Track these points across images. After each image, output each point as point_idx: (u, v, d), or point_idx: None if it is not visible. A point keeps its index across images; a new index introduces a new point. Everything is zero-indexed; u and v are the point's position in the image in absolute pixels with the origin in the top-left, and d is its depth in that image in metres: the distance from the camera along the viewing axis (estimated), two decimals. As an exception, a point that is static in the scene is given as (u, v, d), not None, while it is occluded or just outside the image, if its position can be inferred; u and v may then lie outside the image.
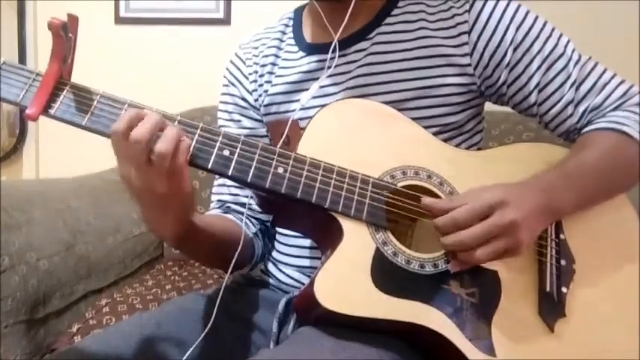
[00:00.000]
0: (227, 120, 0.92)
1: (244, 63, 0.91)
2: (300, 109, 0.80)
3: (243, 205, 0.88)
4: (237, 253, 0.75)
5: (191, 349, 0.67)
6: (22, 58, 1.83)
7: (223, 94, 0.93)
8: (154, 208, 0.64)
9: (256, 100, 0.89)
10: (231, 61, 0.93)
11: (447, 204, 0.63)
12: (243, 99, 0.90)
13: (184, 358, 0.67)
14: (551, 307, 0.65)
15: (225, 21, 1.77)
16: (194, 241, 0.72)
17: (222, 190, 0.91)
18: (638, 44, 1.50)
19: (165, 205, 0.63)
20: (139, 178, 0.60)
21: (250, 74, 0.90)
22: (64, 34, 0.59)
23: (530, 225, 0.63)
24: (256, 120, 0.90)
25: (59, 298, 1.11)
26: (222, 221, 0.84)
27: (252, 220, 0.89)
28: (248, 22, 1.73)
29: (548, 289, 0.65)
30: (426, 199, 0.65)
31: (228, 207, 0.90)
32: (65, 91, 0.62)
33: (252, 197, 0.82)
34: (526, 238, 0.62)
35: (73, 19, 0.60)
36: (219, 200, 0.91)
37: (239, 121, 0.91)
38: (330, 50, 0.78)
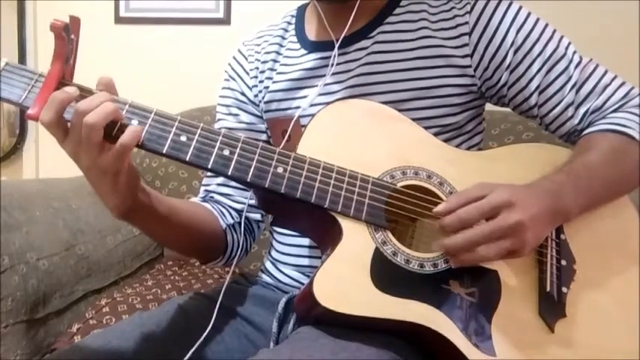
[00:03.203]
0: (225, 114, 0.92)
1: (246, 59, 0.91)
2: (303, 108, 0.80)
3: (224, 195, 0.88)
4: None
5: (192, 349, 0.67)
6: (22, 58, 1.83)
7: (224, 87, 0.94)
8: (89, 179, 0.63)
9: (256, 96, 0.90)
10: (234, 57, 0.94)
11: (453, 203, 0.63)
12: (243, 94, 0.91)
13: (186, 358, 0.67)
14: (551, 308, 0.65)
15: (225, 21, 1.77)
16: (145, 220, 0.71)
17: (210, 180, 0.91)
18: (638, 44, 1.50)
19: (97, 179, 0.62)
20: (66, 147, 0.60)
21: (251, 70, 0.90)
22: (66, 35, 0.59)
23: (536, 227, 0.62)
24: (254, 115, 0.90)
25: (59, 298, 1.11)
26: (192, 206, 0.84)
27: (232, 211, 0.88)
28: (248, 22, 1.73)
29: (548, 289, 0.65)
30: (438, 208, 0.64)
31: (211, 197, 0.90)
32: None
33: (252, 194, 0.82)
34: (531, 239, 0.62)
35: (75, 21, 0.61)
36: (205, 190, 0.91)
37: (237, 115, 0.91)
38: (336, 48, 0.78)
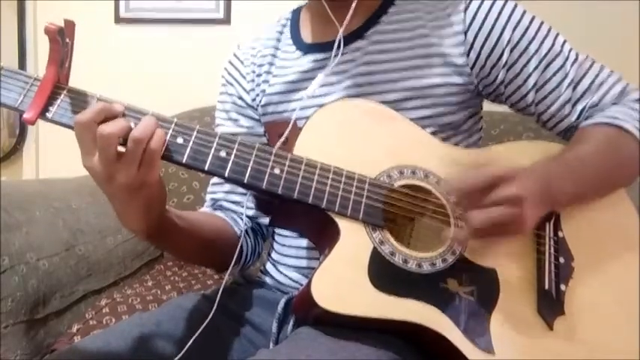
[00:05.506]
0: (224, 119, 0.92)
1: (242, 63, 0.91)
2: (299, 109, 0.80)
3: (234, 202, 0.88)
4: (237, 252, 0.76)
5: (187, 346, 0.67)
6: (22, 58, 1.83)
7: (221, 93, 0.93)
8: (120, 200, 0.64)
9: (254, 100, 0.90)
10: (230, 62, 0.93)
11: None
12: (241, 98, 0.91)
13: (181, 354, 0.66)
14: (550, 305, 0.65)
15: (225, 21, 1.77)
16: (169, 238, 0.72)
17: (216, 188, 0.91)
18: (638, 44, 1.49)
19: (131, 196, 0.62)
20: (102, 167, 0.59)
21: (248, 74, 0.90)
22: (61, 38, 0.59)
23: (533, 206, 0.61)
24: (253, 119, 0.90)
25: (59, 299, 1.11)
26: (207, 218, 0.84)
27: (244, 217, 0.88)
28: (248, 22, 1.73)
29: (546, 287, 0.65)
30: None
31: (220, 205, 0.90)
32: (62, 95, 0.62)
33: (249, 196, 0.83)
34: (529, 216, 0.61)
35: (70, 24, 0.61)
36: (212, 199, 0.91)
37: (236, 120, 0.91)
38: (335, 46, 0.78)
